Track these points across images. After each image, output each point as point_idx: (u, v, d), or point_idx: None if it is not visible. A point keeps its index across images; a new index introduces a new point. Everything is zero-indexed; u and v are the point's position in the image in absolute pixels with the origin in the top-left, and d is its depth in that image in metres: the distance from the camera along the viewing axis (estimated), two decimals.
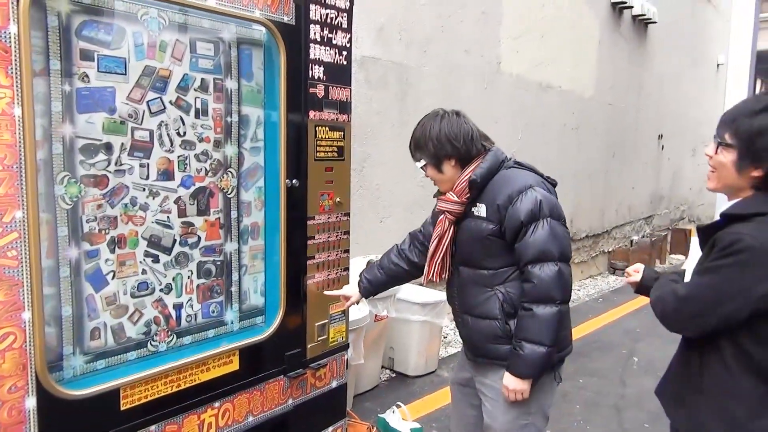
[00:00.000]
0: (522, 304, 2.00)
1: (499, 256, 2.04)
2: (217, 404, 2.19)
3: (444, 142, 2.04)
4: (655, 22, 8.85)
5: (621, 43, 8.34)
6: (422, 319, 4.32)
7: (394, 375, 4.48)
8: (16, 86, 1.59)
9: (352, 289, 2.47)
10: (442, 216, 2.14)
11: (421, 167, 2.13)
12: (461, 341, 2.30)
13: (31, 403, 1.68)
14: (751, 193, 1.58)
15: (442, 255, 2.15)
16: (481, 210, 2.04)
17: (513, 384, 2.01)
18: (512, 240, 2.00)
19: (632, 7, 8.18)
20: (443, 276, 2.20)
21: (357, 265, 3.95)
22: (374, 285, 2.41)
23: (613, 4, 7.94)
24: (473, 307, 2.11)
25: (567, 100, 7.20)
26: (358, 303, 2.52)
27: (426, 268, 2.19)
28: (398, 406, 3.54)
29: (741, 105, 1.60)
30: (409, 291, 4.27)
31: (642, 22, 8.80)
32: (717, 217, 1.63)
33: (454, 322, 2.36)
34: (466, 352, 2.24)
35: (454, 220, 2.12)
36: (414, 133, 2.14)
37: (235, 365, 2.24)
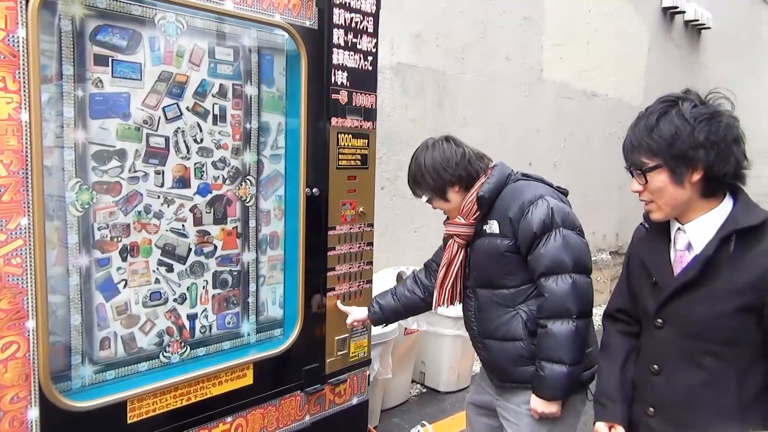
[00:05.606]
0: (538, 321, 1.89)
1: (518, 272, 1.94)
2: (229, 419, 2.13)
3: (441, 171, 1.99)
4: (709, 28, 8.46)
5: (672, 49, 8.01)
6: (455, 333, 4.17)
7: (424, 390, 4.34)
8: (24, 91, 1.56)
9: (361, 311, 2.37)
10: (450, 241, 2.08)
11: (427, 201, 2.07)
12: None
13: (33, 414, 1.65)
14: (715, 202, 1.45)
15: (452, 281, 2.08)
16: (493, 227, 1.96)
17: (541, 407, 1.89)
18: (526, 253, 1.91)
19: (685, 12, 7.85)
20: (454, 302, 2.13)
21: (386, 276, 3.86)
22: (385, 312, 2.30)
23: (664, 10, 7.63)
24: (495, 330, 1.99)
25: (613, 109, 6.93)
26: (363, 326, 2.48)
27: (435, 294, 2.12)
28: (423, 425, 3.41)
29: (634, 127, 1.53)
30: None
31: (695, 28, 8.42)
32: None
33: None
34: (492, 379, 2.11)
35: (464, 244, 2.05)
36: (409, 169, 2.09)
37: (248, 379, 2.17)
